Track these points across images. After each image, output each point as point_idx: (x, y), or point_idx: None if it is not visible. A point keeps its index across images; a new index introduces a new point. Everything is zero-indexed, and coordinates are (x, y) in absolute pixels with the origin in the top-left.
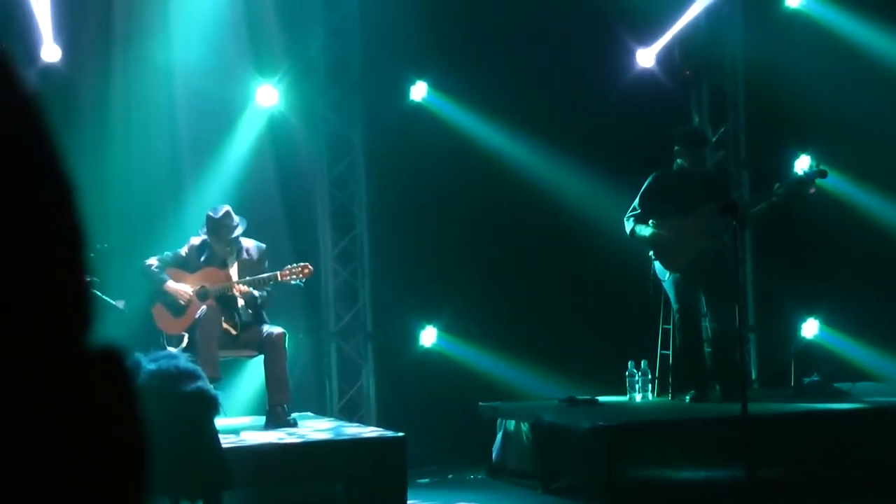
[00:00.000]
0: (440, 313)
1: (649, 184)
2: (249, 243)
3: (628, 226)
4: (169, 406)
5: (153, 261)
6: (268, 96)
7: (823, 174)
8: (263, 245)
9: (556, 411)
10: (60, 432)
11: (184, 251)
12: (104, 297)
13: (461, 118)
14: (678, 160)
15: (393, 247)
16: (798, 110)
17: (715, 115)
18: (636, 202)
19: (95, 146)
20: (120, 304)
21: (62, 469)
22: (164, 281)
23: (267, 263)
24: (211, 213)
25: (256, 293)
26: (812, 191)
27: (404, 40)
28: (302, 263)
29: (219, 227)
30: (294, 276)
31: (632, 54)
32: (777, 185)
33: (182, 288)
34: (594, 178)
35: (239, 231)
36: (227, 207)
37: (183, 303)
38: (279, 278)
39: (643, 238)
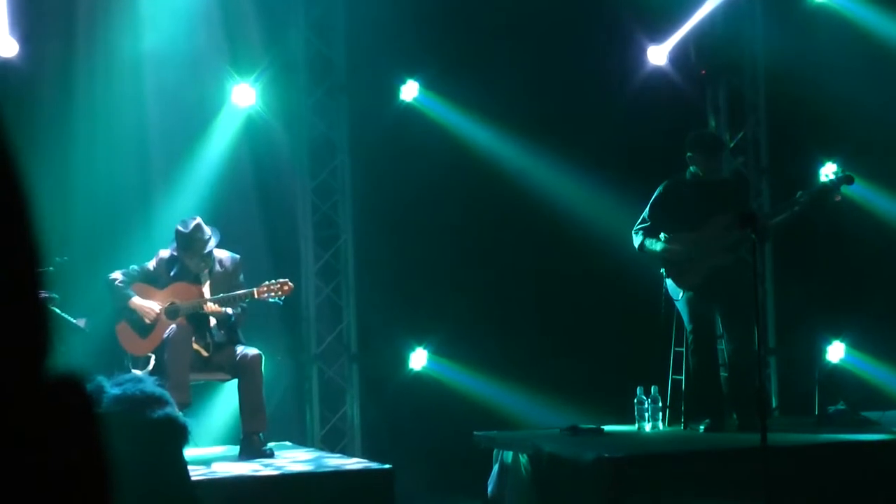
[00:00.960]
0: (431, 334)
1: (660, 193)
2: (222, 254)
3: (637, 240)
4: (134, 434)
5: (118, 275)
6: (244, 96)
7: (850, 180)
8: (237, 256)
9: (557, 441)
10: (18, 461)
11: (152, 265)
12: (64, 315)
13: (456, 121)
14: (691, 167)
15: (380, 261)
16: (824, 113)
17: (733, 119)
18: (645, 213)
19: (56, 150)
20: (81, 322)
21: (22, 498)
22: (130, 297)
23: (242, 276)
24: (180, 228)
25: (230, 311)
26: (838, 199)
27: (394, 35)
28: (281, 280)
29: (190, 243)
30: (272, 294)
31: (642, 51)
32: (799, 192)
33: (150, 305)
34: (600, 187)
35: (212, 244)
36: (197, 220)
37: (150, 321)
38: (256, 295)
39: (653, 253)
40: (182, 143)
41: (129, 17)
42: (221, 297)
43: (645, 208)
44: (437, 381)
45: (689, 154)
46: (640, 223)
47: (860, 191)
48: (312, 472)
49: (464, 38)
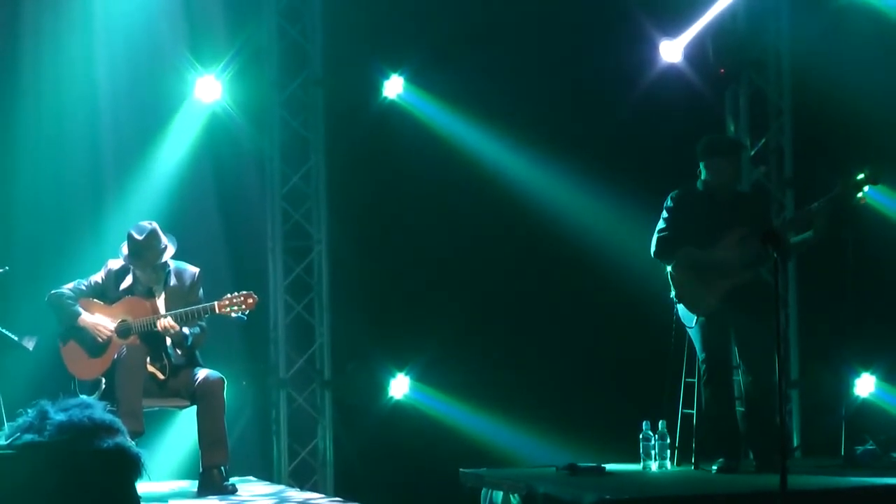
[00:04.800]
0: (414, 358)
1: (668, 206)
2: (179, 266)
3: (653, 248)
4: (81, 466)
5: (65, 290)
6: (209, 90)
7: (874, 179)
8: (197, 269)
9: (553, 481)
10: None
11: (100, 277)
12: (4, 331)
13: (444, 121)
14: (704, 176)
15: (358, 276)
16: (856, 119)
17: (754, 124)
18: (661, 223)
19: None
20: (31, 342)
21: None
22: (79, 314)
23: (202, 291)
24: (133, 233)
25: (188, 329)
26: (862, 201)
27: (377, 23)
28: (245, 292)
29: (142, 250)
30: (235, 308)
31: (654, 47)
32: (815, 203)
33: (99, 322)
34: (605, 198)
35: (168, 254)
36: (153, 226)
37: (101, 340)
38: (217, 310)
39: (665, 270)
40: (138, 143)
41: (79, 3)
42: (178, 312)
43: (658, 219)
44: (419, 412)
45: (702, 161)
46: (659, 232)
47: (894, 207)
48: None
49: (455, 29)
